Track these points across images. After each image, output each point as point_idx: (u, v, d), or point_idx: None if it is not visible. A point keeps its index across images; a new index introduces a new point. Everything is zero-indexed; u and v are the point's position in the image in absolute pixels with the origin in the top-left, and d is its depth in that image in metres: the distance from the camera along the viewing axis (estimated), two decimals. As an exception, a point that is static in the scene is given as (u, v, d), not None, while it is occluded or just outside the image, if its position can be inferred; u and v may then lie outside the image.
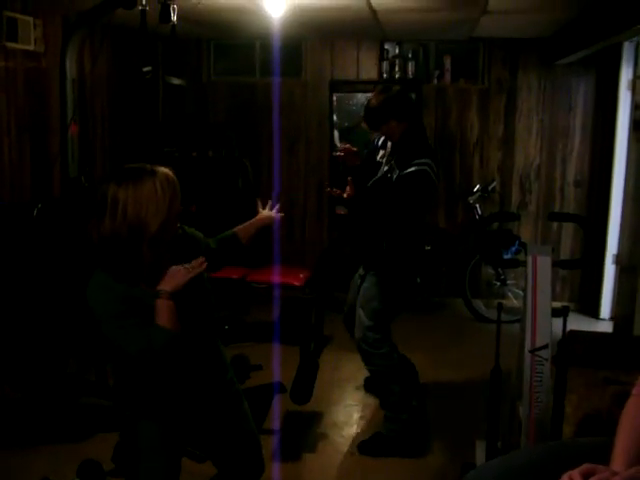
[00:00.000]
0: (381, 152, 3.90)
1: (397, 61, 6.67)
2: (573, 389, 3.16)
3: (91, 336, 4.03)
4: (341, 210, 6.57)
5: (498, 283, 6.55)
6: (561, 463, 1.80)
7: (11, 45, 4.87)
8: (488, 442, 2.99)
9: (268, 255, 6.53)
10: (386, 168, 3.76)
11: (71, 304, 4.02)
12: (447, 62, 6.74)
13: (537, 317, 2.79)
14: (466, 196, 6.56)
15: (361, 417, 4.32)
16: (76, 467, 3.29)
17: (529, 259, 2.90)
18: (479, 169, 6.81)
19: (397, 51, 6.70)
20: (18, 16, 4.90)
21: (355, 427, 4.17)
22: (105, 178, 2.30)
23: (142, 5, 4.09)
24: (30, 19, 5.06)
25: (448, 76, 6.76)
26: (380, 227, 3.77)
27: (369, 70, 6.83)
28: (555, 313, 2.83)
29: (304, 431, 4.10)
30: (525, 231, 6.69)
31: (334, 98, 6.80)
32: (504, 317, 3.01)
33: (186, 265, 2.25)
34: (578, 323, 5.77)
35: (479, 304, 6.51)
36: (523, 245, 3.19)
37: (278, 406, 4.03)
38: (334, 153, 3.91)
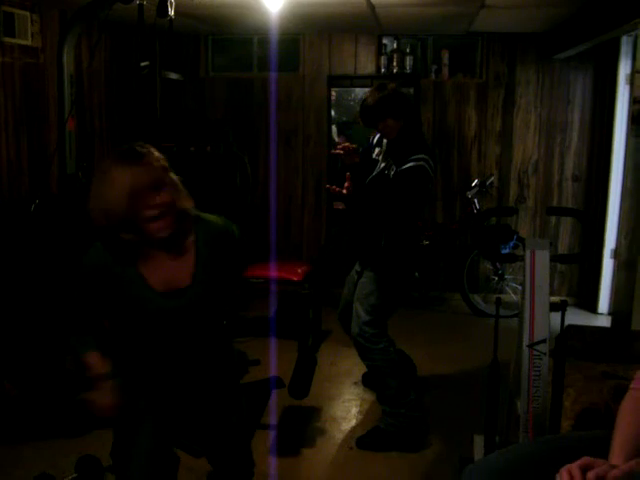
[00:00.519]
0: (377, 150, 3.91)
1: (395, 56, 6.66)
2: (571, 383, 3.16)
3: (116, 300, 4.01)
4: (339, 205, 6.57)
5: (496, 278, 6.55)
6: (559, 457, 1.80)
7: (8, 40, 4.86)
8: (486, 436, 3.00)
9: (266, 250, 6.53)
10: (383, 165, 3.78)
11: (69, 300, 4.01)
12: (445, 57, 6.73)
13: (535, 311, 2.80)
14: (464, 191, 6.56)
15: (359, 412, 4.32)
16: (74, 462, 3.29)
17: (527, 253, 2.90)
18: (477, 164, 6.81)
19: (395, 46, 6.69)
20: (15, 11, 4.89)
21: (353, 422, 4.17)
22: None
23: (140, 0, 4.08)
24: (27, 14, 5.05)
25: (446, 71, 6.75)
26: (378, 223, 3.78)
27: (367, 65, 6.82)
28: (553, 307, 2.83)
29: (302, 426, 4.10)
30: (523, 226, 6.70)
31: (332, 93, 6.78)
32: (502, 312, 3.01)
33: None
34: (576, 317, 5.79)
35: (477, 299, 6.51)
36: (521, 240, 3.19)
37: (276, 401, 4.03)
38: (332, 151, 3.89)
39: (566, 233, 6.74)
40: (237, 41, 7.07)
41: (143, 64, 5.77)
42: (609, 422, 1.94)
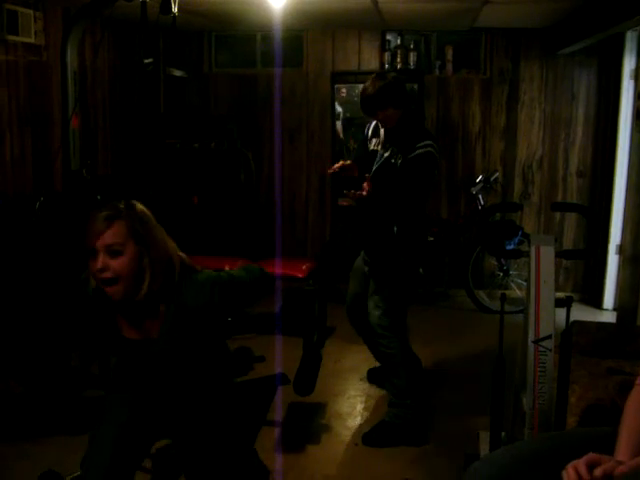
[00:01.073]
0: (374, 140, 3.95)
1: (399, 52, 6.65)
2: (576, 379, 3.15)
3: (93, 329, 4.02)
4: (344, 202, 6.56)
5: (501, 274, 6.55)
6: (565, 453, 1.80)
7: (12, 38, 4.86)
8: (492, 433, 2.99)
9: (270, 247, 6.53)
10: (387, 154, 3.80)
11: (73, 298, 4.01)
12: (449, 52, 6.72)
13: (540, 307, 2.79)
14: (468, 187, 6.55)
15: (364, 408, 4.32)
16: (80, 459, 3.29)
17: (532, 249, 2.89)
18: (481, 160, 6.79)
19: (399, 42, 6.68)
20: (19, 9, 4.89)
21: (358, 418, 4.17)
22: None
23: (143, -4, 4.07)
24: (31, 12, 5.04)
25: (450, 66, 6.74)
26: (390, 212, 3.81)
27: (371, 61, 6.81)
28: (559, 303, 2.82)
29: (307, 422, 4.11)
30: (528, 222, 6.69)
31: (343, 90, 6.75)
32: (507, 308, 3.01)
33: None
34: (581, 313, 5.78)
35: (482, 295, 6.51)
36: (526, 236, 3.18)
37: (281, 397, 4.02)
38: (329, 171, 3.91)
39: (571, 229, 6.72)
40: (240, 37, 7.06)
41: (147, 61, 5.79)
42: (615, 418, 1.94)
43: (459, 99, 6.75)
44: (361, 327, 4.29)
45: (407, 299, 3.99)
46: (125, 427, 2.35)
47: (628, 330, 4.00)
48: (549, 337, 2.77)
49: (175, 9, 4.19)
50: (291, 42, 6.86)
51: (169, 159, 6.06)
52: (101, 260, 2.14)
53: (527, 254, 2.96)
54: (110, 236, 2.15)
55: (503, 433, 3.07)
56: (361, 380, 4.73)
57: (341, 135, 6.75)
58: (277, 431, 3.90)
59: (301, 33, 6.85)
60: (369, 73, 6.56)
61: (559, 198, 6.68)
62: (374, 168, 3.85)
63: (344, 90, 6.70)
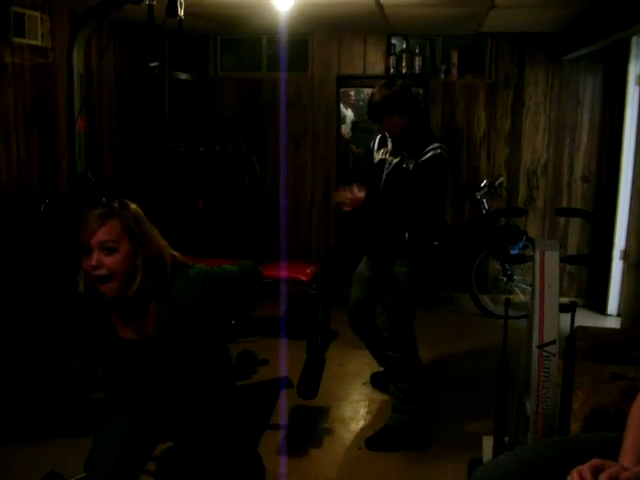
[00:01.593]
0: (382, 150, 3.95)
1: (404, 56, 6.65)
2: (580, 385, 3.15)
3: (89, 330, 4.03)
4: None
5: (505, 278, 6.54)
6: (569, 459, 1.80)
7: (18, 40, 4.87)
8: (495, 438, 2.99)
9: (275, 250, 6.53)
10: (397, 160, 3.81)
11: (78, 299, 4.02)
12: (454, 57, 6.72)
13: (545, 312, 2.79)
14: (473, 191, 6.55)
15: (367, 412, 4.31)
16: (83, 461, 3.30)
17: (537, 254, 2.89)
18: (486, 164, 6.79)
19: (404, 46, 6.68)
20: (25, 11, 4.90)
21: (361, 422, 4.17)
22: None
23: (149, 0, 4.08)
24: (37, 14, 5.06)
25: (455, 71, 6.74)
26: (403, 217, 3.82)
27: (376, 65, 6.82)
28: (563, 309, 2.82)
29: (310, 426, 4.10)
30: (532, 227, 6.68)
31: (351, 93, 6.75)
32: (511, 313, 3.01)
33: None
34: (585, 319, 5.76)
35: (486, 299, 6.50)
36: (530, 240, 3.18)
37: (284, 401, 4.02)
38: (344, 208, 3.94)
39: (575, 234, 6.72)
40: (246, 41, 7.07)
41: (153, 64, 5.80)
42: (618, 424, 1.93)
43: (464, 104, 6.75)
44: (364, 332, 4.28)
45: (415, 304, 3.98)
46: (130, 429, 2.36)
47: (632, 336, 3.99)
48: (553, 342, 2.77)
49: (181, 12, 4.20)
50: (296, 46, 6.87)
51: (174, 162, 6.07)
52: (95, 257, 2.16)
53: (531, 259, 2.96)
54: (104, 233, 2.17)
55: (506, 438, 3.07)
56: (364, 384, 4.73)
57: (347, 136, 6.76)
58: (280, 434, 3.90)
59: (307, 37, 6.86)
60: (374, 77, 6.64)
61: (564, 203, 6.68)
62: (384, 175, 3.85)
63: (352, 93, 6.71)
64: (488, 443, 3.27)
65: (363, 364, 4.86)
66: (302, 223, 7.10)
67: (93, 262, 2.15)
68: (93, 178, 4.62)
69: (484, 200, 6.41)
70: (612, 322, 6.04)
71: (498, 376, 2.95)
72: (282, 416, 4.06)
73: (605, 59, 6.36)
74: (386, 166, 3.86)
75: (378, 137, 4.02)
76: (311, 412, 4.24)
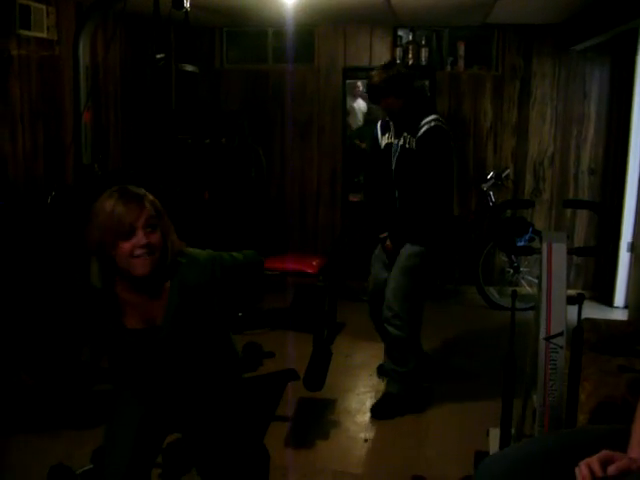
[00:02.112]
0: (386, 135, 4.09)
1: (410, 47, 6.63)
2: (587, 377, 3.15)
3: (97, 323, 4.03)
4: (355, 197, 6.57)
5: (511, 270, 6.53)
6: (576, 451, 1.79)
7: (24, 33, 4.87)
8: (502, 430, 2.98)
9: (281, 242, 6.53)
10: (401, 142, 3.96)
11: (85, 292, 4.02)
12: (461, 48, 6.70)
13: (552, 304, 2.78)
14: (479, 183, 6.54)
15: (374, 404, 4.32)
16: (90, 453, 3.31)
17: (544, 246, 2.88)
18: (493, 156, 6.78)
19: (410, 37, 6.66)
20: (31, 3, 4.91)
21: (368, 414, 4.16)
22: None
23: (155, -8, 4.08)
24: (43, 7, 5.06)
25: (462, 63, 6.72)
26: (419, 197, 3.92)
27: (382, 57, 6.77)
28: (570, 301, 2.81)
29: (317, 418, 4.11)
30: (539, 219, 6.67)
31: (359, 84, 6.72)
32: (517, 304, 3.00)
33: None
34: (592, 311, 5.76)
35: (492, 292, 6.50)
36: (537, 232, 3.17)
37: (291, 393, 4.03)
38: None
39: (582, 226, 6.70)
40: (252, 33, 7.06)
41: (159, 56, 5.78)
42: (626, 416, 1.93)
43: (471, 95, 6.73)
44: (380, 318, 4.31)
45: (427, 289, 4.13)
46: (142, 422, 2.38)
47: (639, 328, 3.98)
48: (560, 334, 2.76)
49: (187, 4, 4.20)
50: (302, 38, 6.85)
51: (180, 154, 6.07)
52: (142, 235, 2.19)
53: (538, 251, 2.95)
54: (147, 211, 2.22)
55: (513, 430, 3.07)
56: (371, 376, 4.73)
57: (353, 128, 6.73)
58: (287, 426, 3.91)
59: (312, 29, 6.85)
60: (381, 69, 6.61)
61: (570, 195, 6.66)
62: (394, 159, 3.98)
63: (359, 84, 6.68)
64: (495, 435, 3.27)
65: (370, 356, 4.86)
66: (308, 215, 7.10)
67: (143, 240, 2.18)
68: (99, 170, 4.63)
69: (491, 192, 6.41)
70: (619, 314, 6.03)
71: (504, 368, 2.95)
72: (289, 408, 4.07)
73: (612, 51, 6.33)
74: (393, 149, 3.98)
75: (379, 123, 4.17)
76: (317, 404, 4.24)
